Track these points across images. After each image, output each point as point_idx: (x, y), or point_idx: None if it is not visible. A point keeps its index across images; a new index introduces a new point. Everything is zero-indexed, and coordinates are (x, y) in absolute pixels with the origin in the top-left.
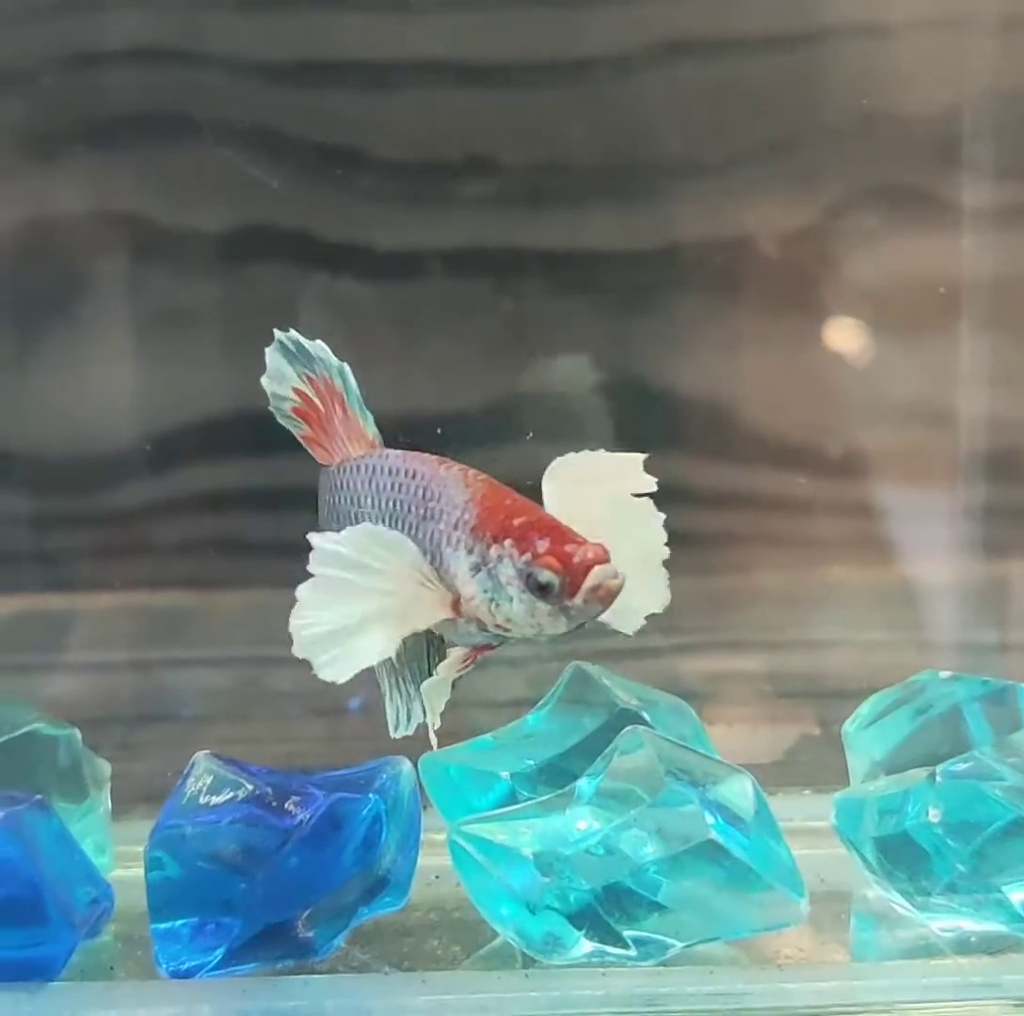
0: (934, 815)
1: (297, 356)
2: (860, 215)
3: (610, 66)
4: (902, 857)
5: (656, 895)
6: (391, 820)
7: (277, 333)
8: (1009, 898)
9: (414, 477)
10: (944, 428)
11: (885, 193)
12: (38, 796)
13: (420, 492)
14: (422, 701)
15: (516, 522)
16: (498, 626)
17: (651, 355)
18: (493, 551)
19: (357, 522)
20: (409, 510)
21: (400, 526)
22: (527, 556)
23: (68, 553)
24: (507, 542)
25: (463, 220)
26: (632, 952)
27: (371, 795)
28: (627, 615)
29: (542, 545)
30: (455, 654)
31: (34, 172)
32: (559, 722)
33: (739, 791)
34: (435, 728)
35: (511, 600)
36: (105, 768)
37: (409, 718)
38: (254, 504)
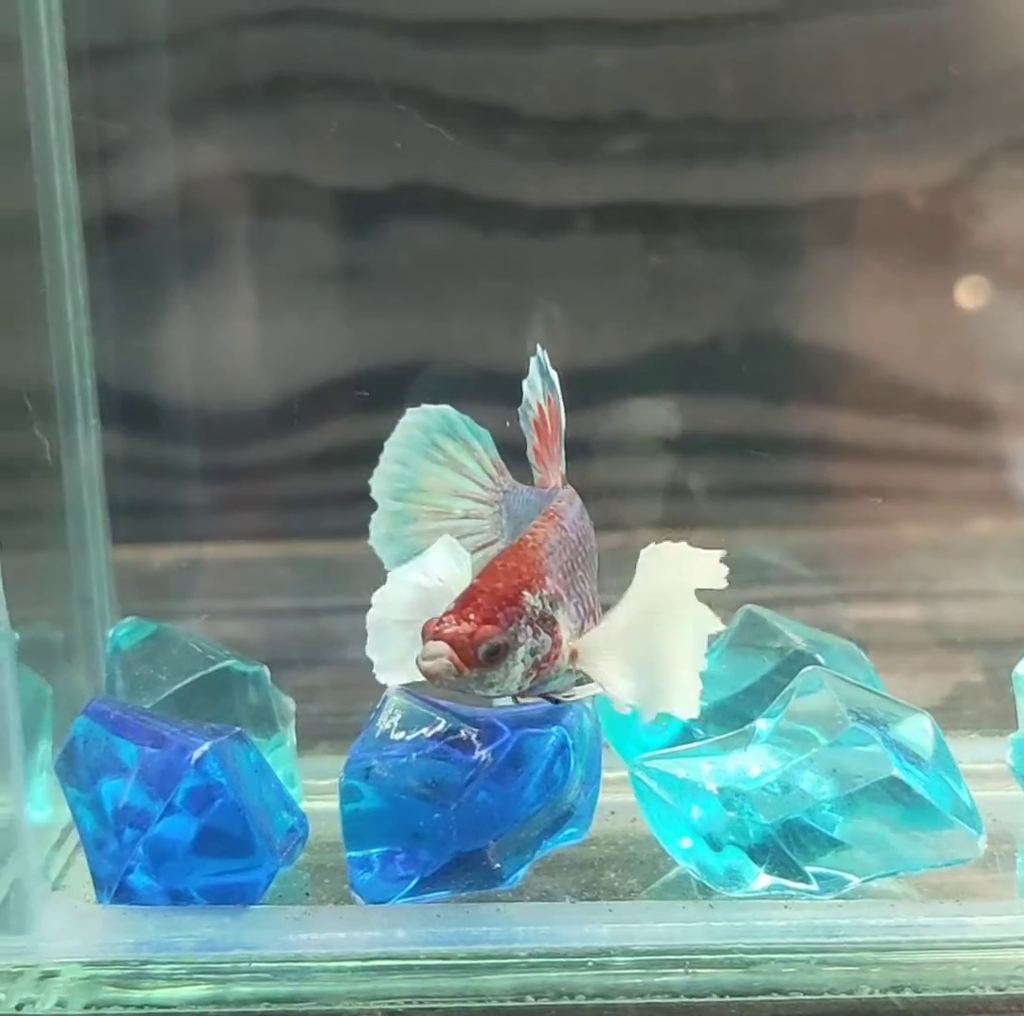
0: None
1: (547, 377)
2: (1007, 168)
3: (760, 20)
4: None
5: (833, 831)
6: (576, 755)
7: (539, 350)
8: None
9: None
10: None
11: None
12: (237, 728)
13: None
14: None
15: (475, 583)
16: None
17: (797, 309)
18: None
19: None
20: None
21: None
22: None
23: (229, 503)
24: None
25: (613, 176)
26: (813, 887)
27: (557, 730)
28: (649, 704)
29: (447, 607)
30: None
31: (188, 135)
32: (732, 664)
33: (919, 730)
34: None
35: None
36: (290, 704)
37: None
38: None
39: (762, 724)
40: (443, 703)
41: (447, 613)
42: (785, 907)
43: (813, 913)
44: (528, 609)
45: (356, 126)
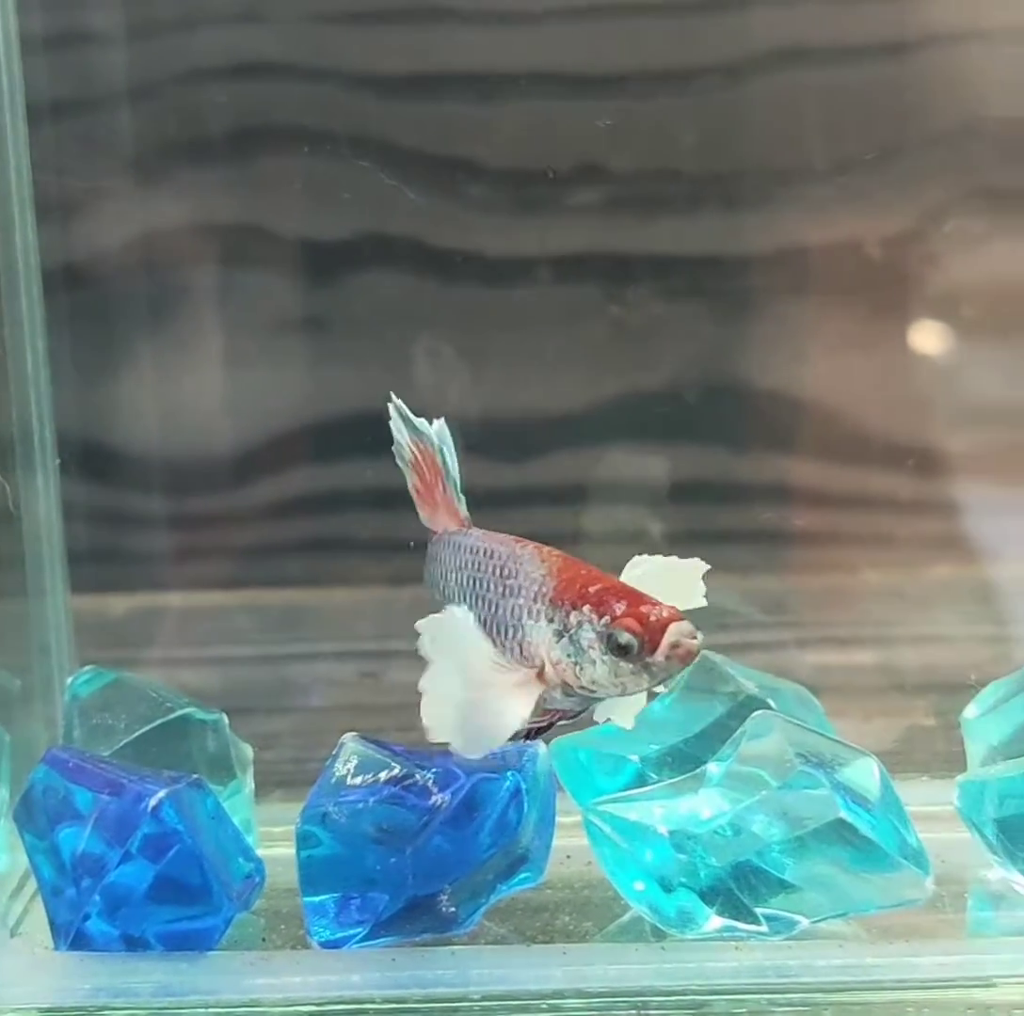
0: None
1: (409, 423)
2: (963, 219)
3: (719, 74)
4: (1023, 838)
5: (783, 874)
6: (530, 799)
7: (393, 399)
8: None
9: (492, 557)
10: None
11: (987, 197)
12: (195, 775)
13: (498, 570)
14: None
15: (592, 589)
16: (583, 688)
17: (758, 358)
18: (573, 617)
19: (446, 593)
20: (489, 588)
21: (480, 602)
22: (606, 619)
23: (190, 552)
24: (585, 608)
25: (573, 227)
26: (763, 928)
27: (511, 775)
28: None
29: (620, 607)
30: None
31: (150, 188)
32: (685, 709)
33: (865, 773)
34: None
35: (594, 663)
36: (248, 751)
37: None
38: (366, 504)
39: (713, 767)
40: (398, 748)
41: (637, 607)
42: (736, 949)
43: (764, 955)
44: None
45: (317, 178)
